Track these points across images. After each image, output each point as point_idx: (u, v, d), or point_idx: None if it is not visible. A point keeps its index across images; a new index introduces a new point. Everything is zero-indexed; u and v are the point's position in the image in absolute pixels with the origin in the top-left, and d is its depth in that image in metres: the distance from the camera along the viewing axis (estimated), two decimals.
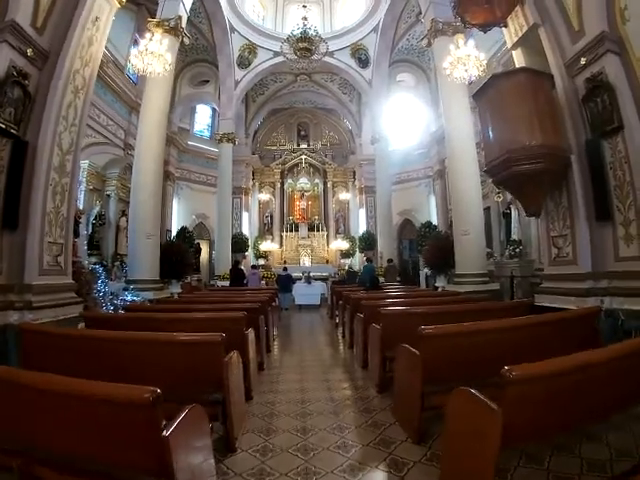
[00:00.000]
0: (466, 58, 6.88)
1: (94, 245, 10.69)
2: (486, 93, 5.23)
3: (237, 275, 11.49)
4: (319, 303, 13.83)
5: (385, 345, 4.09)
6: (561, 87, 5.20)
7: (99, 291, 5.31)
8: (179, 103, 16.16)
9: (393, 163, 16.51)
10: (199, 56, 15.92)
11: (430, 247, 9.65)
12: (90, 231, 10.61)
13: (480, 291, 8.08)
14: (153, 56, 6.35)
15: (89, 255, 10.47)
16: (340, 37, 15.89)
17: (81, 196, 10.29)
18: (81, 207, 10.24)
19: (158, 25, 8.97)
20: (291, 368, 5.38)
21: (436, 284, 9.56)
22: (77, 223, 5.50)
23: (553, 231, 5.39)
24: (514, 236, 11.31)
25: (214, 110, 18.04)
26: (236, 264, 11.99)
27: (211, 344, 2.84)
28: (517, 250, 11.01)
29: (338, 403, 3.83)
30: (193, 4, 13.33)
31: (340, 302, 8.53)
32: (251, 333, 4.13)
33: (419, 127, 17.83)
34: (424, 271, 14.88)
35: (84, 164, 10.31)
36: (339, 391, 4.27)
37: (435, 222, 15.60)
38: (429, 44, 10.18)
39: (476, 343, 2.96)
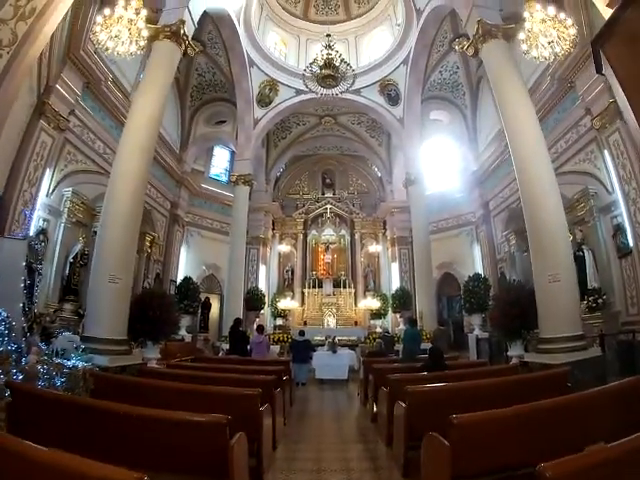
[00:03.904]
0: (551, 25, 4.96)
1: (71, 289, 8.70)
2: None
3: (238, 339, 8.70)
4: (347, 377, 10.58)
5: None
6: None
7: None
8: (194, 143, 14.95)
9: (428, 210, 14.36)
10: (217, 94, 14.90)
11: (498, 302, 7.07)
12: (67, 272, 8.71)
13: (578, 361, 5.55)
14: (121, 25, 4.70)
15: (63, 301, 8.54)
16: (367, 73, 14.52)
17: (60, 229, 8.59)
18: (58, 241, 8.50)
19: (156, 32, 7.65)
20: None
21: (509, 353, 6.88)
22: None
23: None
24: (592, 283, 8.74)
25: (232, 154, 16.77)
26: (236, 324, 9.08)
27: None
28: (599, 301, 8.41)
29: None
30: (209, 34, 12.61)
31: (384, 389, 5.37)
32: None
33: (456, 169, 15.89)
34: (474, 334, 12.12)
35: (67, 192, 8.72)
36: None
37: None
38: (476, 53, 8.49)
39: None
